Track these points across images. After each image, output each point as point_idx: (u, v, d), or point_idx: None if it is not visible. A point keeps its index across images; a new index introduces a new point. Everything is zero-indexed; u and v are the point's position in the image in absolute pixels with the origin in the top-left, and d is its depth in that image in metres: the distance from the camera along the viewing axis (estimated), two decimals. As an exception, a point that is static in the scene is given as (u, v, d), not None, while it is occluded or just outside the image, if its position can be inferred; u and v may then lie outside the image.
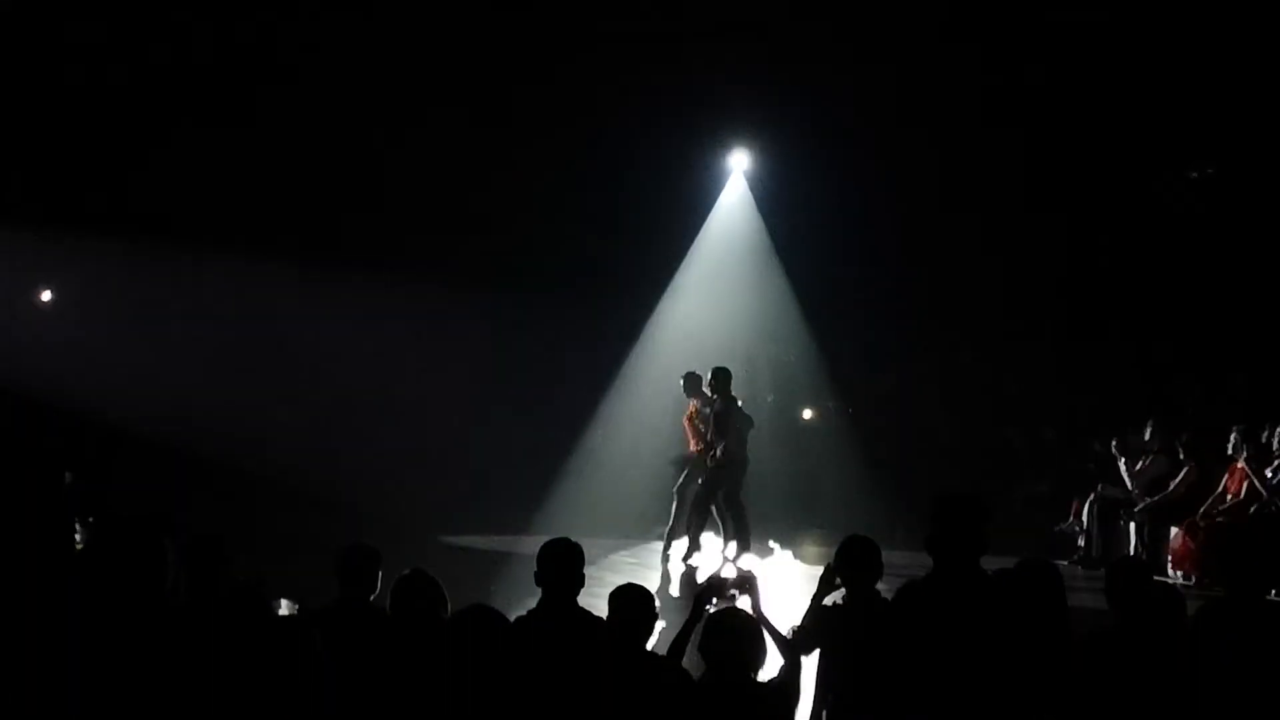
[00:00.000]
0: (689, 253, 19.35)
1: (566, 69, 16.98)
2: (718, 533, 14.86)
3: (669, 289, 19.28)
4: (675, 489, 15.19)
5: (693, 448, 15.11)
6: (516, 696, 5.20)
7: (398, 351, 19.27)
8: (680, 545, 14.77)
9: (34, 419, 16.58)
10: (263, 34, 17.25)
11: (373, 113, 18.05)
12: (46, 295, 21.25)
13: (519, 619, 5.90)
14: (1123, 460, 14.36)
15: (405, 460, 17.77)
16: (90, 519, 9.04)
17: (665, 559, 14.67)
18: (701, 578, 6.33)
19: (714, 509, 14.59)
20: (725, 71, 16.70)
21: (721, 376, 14.53)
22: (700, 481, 14.55)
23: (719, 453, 14.30)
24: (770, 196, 18.99)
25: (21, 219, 18.25)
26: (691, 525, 14.57)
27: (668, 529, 14.99)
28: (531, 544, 6.84)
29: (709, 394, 14.62)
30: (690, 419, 15.23)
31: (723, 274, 19.13)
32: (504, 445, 17.96)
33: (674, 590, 12.92)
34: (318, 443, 17.83)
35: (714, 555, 14.55)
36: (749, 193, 19.26)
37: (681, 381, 15.33)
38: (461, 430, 18.51)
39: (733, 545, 14.54)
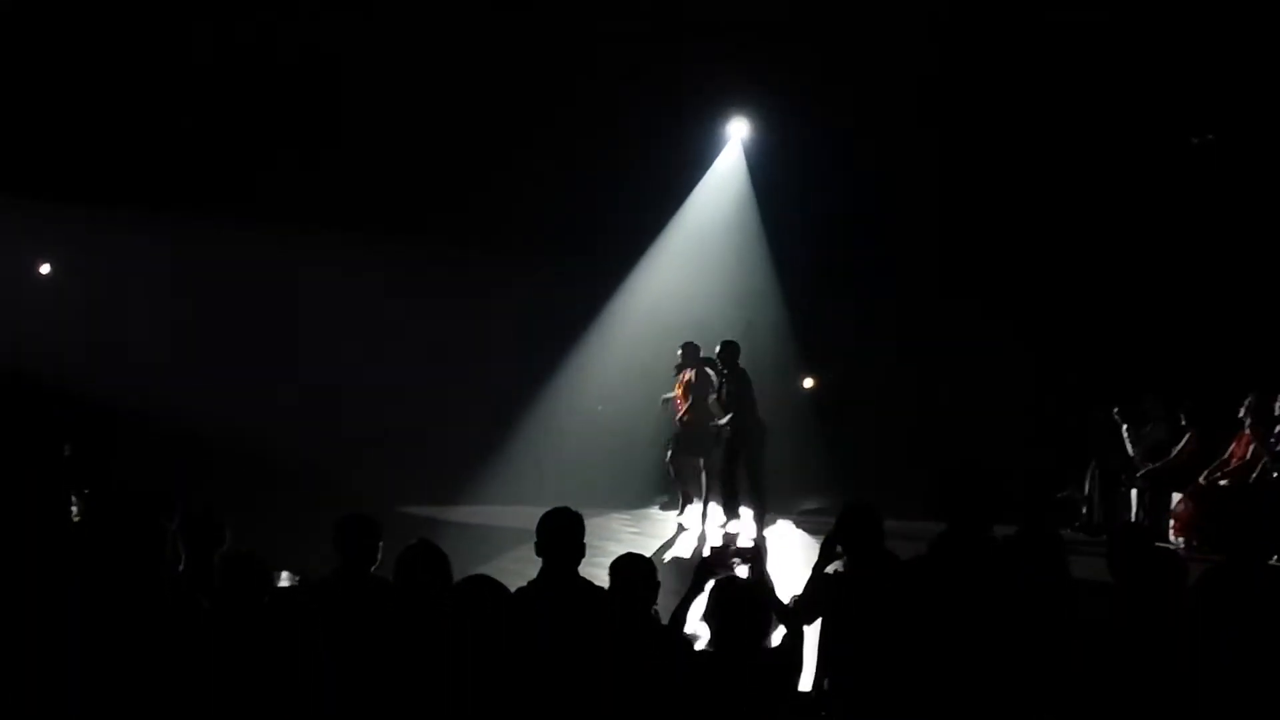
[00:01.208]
0: (676, 216, 19.31)
1: (566, 31, 16.83)
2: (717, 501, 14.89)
3: (655, 252, 19.25)
4: (669, 459, 15.29)
5: (681, 413, 15.19)
6: (519, 667, 5.19)
7: (380, 317, 19.25)
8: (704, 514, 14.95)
9: (32, 392, 16.60)
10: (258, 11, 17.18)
11: (354, 73, 17.95)
12: (46, 268, 21.25)
13: (520, 590, 5.89)
14: (1125, 427, 14.36)
15: (389, 432, 17.78)
16: (87, 491, 9.04)
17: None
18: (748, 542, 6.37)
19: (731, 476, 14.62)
20: (728, 37, 16.56)
21: (731, 349, 14.47)
22: (722, 452, 14.54)
23: (726, 424, 14.35)
24: (765, 165, 18.93)
25: (20, 189, 18.20)
26: (721, 495, 14.57)
27: (703, 502, 15.04)
28: (524, 515, 6.82)
29: (717, 366, 14.61)
30: (683, 387, 15.25)
31: (711, 239, 19.09)
32: (494, 416, 17.94)
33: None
34: (300, 418, 17.82)
35: (716, 525, 14.58)
36: (744, 161, 19.19)
37: (680, 351, 15.33)
38: (445, 399, 18.44)
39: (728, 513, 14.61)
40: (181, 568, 6.55)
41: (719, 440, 14.65)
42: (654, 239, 19.15)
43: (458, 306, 19.17)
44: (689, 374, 15.22)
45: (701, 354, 15.16)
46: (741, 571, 6.31)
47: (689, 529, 14.73)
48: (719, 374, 14.58)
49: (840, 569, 6.76)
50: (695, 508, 15.31)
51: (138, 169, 18.66)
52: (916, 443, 16.57)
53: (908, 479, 15.14)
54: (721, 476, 14.52)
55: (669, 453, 15.37)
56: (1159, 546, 7.53)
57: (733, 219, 19.09)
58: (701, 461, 15.09)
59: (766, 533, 14.19)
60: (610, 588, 6.02)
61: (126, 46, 17.54)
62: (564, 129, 17.87)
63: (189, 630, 5.69)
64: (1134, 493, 14.16)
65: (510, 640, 5.19)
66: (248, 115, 18.35)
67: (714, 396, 14.89)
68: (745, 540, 6.61)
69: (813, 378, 18.81)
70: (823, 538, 6.88)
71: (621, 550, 6.26)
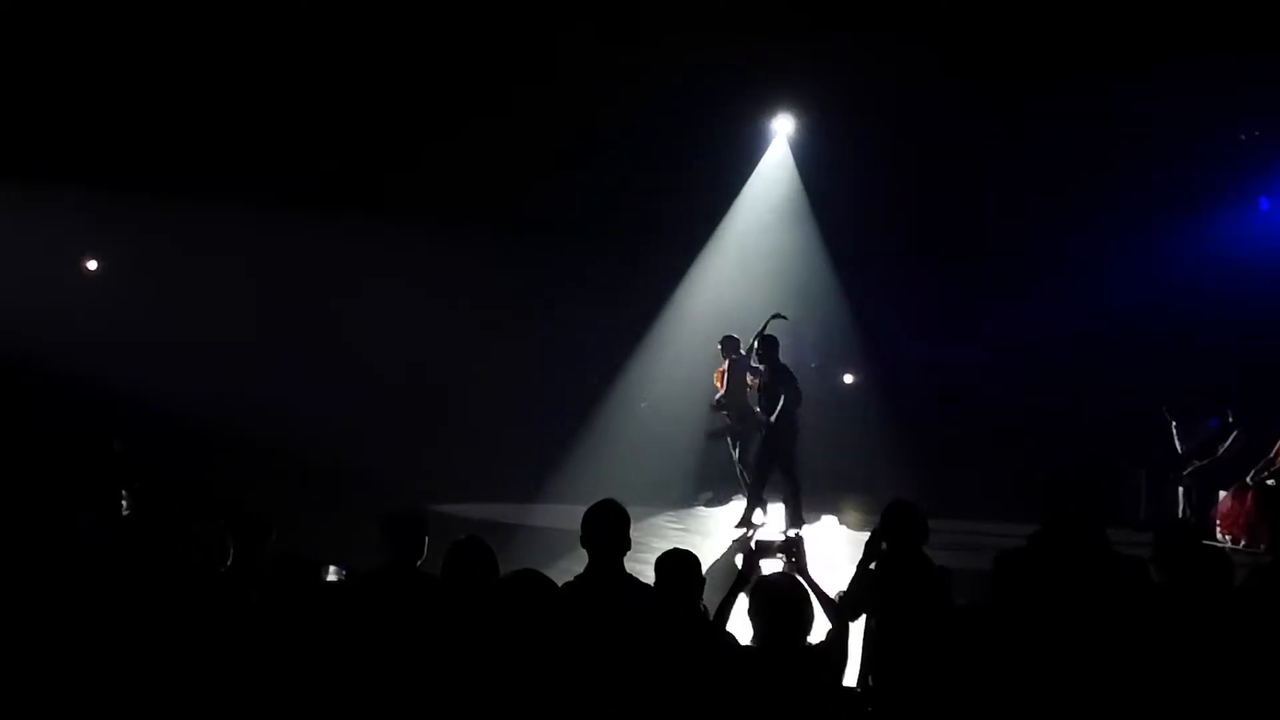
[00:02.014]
0: (727, 215, 19.31)
1: (615, 27, 16.80)
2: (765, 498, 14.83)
3: (706, 251, 19.25)
4: (738, 459, 15.24)
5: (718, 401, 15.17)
6: (567, 661, 5.19)
7: (426, 315, 19.32)
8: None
9: (81, 388, 16.74)
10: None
11: (411, 67, 17.98)
12: (92, 264, 21.43)
13: (566, 584, 5.89)
14: (1174, 424, 14.28)
15: (433, 428, 17.83)
16: (136, 486, 9.12)
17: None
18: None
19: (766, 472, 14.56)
20: (772, 33, 16.50)
21: (769, 344, 14.40)
22: (759, 445, 14.47)
23: (773, 417, 14.27)
24: (811, 161, 18.91)
25: (67, 186, 18.31)
26: (751, 490, 14.50)
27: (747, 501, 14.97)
28: (568, 514, 6.81)
29: (755, 361, 14.56)
30: (720, 377, 15.20)
31: (761, 236, 19.07)
32: (536, 412, 17.95)
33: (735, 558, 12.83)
34: (344, 414, 17.90)
35: (770, 521, 14.53)
36: (790, 157, 19.17)
37: (720, 346, 15.28)
38: (489, 396, 18.46)
39: (767, 511, 14.57)
40: (229, 563, 6.60)
41: (757, 430, 14.65)
42: (703, 241, 19.16)
43: (505, 308, 19.27)
44: (726, 363, 15.18)
45: (742, 348, 15.12)
46: (785, 568, 6.30)
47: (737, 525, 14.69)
48: (761, 368, 14.47)
49: (885, 565, 6.76)
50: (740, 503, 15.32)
51: (185, 164, 18.75)
52: (961, 440, 16.55)
53: (950, 475, 15.19)
54: (756, 470, 14.41)
55: (734, 446, 15.31)
56: (1207, 544, 7.51)
57: (782, 217, 19.07)
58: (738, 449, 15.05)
59: (808, 529, 14.11)
60: (656, 583, 6.04)
61: (181, 38, 17.61)
62: (607, 133, 17.90)
63: (236, 623, 5.74)
64: (1181, 489, 14.07)
65: (558, 634, 5.20)
66: (312, 107, 18.41)
67: (751, 385, 14.80)
68: (788, 536, 6.58)
69: (852, 374, 18.77)
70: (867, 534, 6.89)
71: (666, 547, 6.26)
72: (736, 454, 15.29)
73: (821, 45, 16.44)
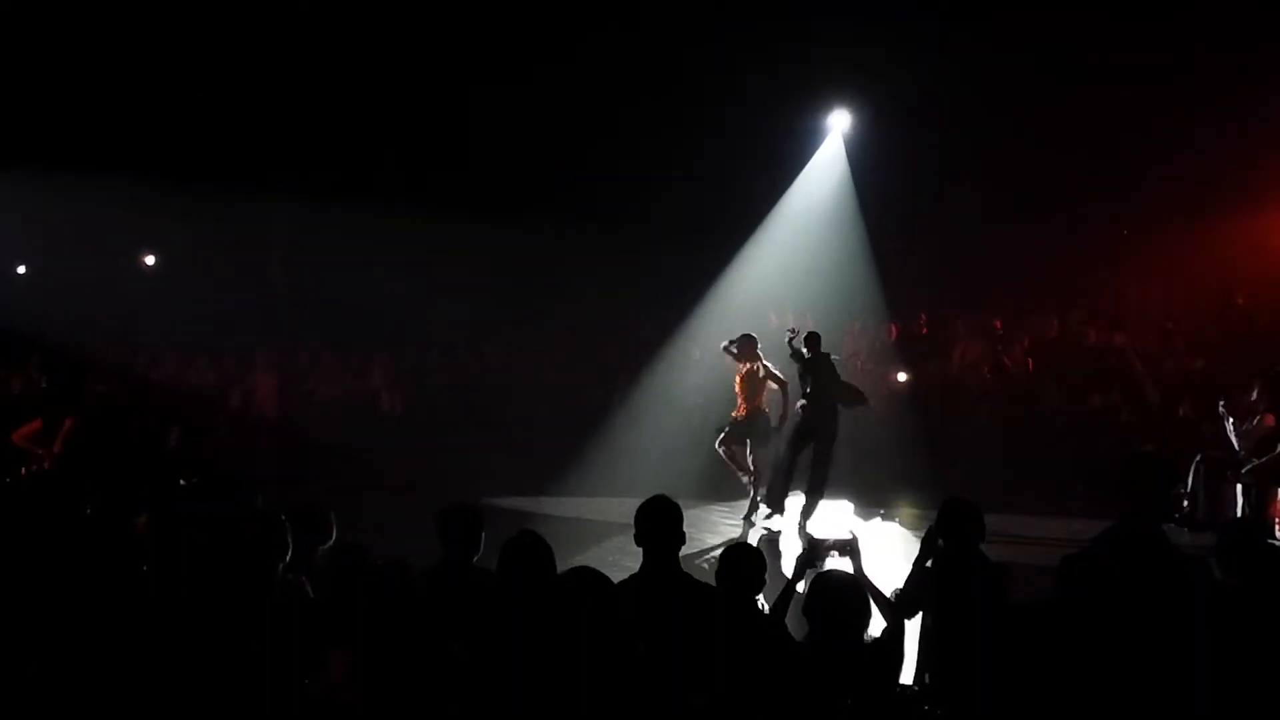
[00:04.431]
0: (775, 209, 19.26)
1: (673, 22, 16.81)
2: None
3: (751, 245, 19.22)
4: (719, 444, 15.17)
5: (740, 410, 15.01)
6: (628, 658, 5.17)
7: (470, 307, 19.39)
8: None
9: (138, 381, 16.91)
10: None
11: (463, 62, 18.05)
12: (150, 259, 21.66)
13: (623, 582, 5.88)
14: (1230, 420, 14.10)
15: (481, 422, 17.89)
16: (194, 479, 9.20)
17: (765, 517, 14.58)
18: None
19: (793, 464, 14.46)
20: (831, 28, 16.48)
21: (813, 339, 14.37)
22: (815, 440, 14.37)
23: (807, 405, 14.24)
24: (866, 157, 18.86)
25: (125, 181, 18.49)
26: (772, 482, 14.44)
27: (763, 492, 14.91)
28: (619, 507, 6.80)
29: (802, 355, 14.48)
30: (743, 380, 15.05)
31: (808, 232, 19.02)
32: (589, 407, 17.95)
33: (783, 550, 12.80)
34: (391, 408, 17.97)
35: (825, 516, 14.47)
36: (844, 153, 19.11)
37: (736, 345, 15.16)
38: (530, 389, 18.48)
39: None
40: (288, 559, 6.63)
41: (776, 431, 14.61)
42: (752, 234, 19.13)
43: (551, 300, 19.30)
44: (746, 367, 15.02)
45: (760, 347, 15.03)
46: (840, 564, 6.29)
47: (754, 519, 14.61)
48: (801, 363, 14.42)
49: (940, 563, 6.73)
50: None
51: (239, 160, 18.90)
52: (1016, 439, 16.46)
53: (1006, 473, 15.10)
54: (782, 463, 14.33)
55: (719, 438, 15.18)
56: (1271, 544, 7.42)
57: (831, 214, 19.01)
58: (748, 451, 14.98)
59: (864, 528, 14.03)
60: (719, 574, 6.01)
61: (232, 38, 17.77)
62: (662, 125, 17.92)
63: (296, 615, 5.77)
64: (1239, 487, 13.89)
65: (619, 632, 5.18)
66: (360, 102, 18.54)
67: (773, 387, 14.74)
68: (844, 533, 6.56)
69: (905, 373, 18.68)
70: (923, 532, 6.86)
71: (717, 541, 6.26)
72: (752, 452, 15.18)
73: (879, 41, 16.44)
